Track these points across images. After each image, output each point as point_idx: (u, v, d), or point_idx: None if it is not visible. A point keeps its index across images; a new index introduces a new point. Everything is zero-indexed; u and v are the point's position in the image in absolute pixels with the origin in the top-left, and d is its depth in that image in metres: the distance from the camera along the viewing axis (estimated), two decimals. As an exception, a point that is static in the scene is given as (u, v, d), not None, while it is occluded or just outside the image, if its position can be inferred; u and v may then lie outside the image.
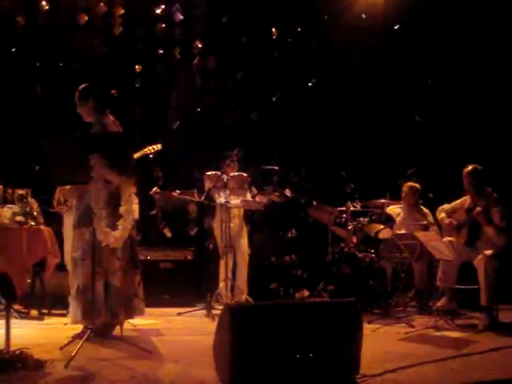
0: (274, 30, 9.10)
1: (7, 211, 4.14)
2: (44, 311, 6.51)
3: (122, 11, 8.78)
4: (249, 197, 7.29)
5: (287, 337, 3.40)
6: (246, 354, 3.32)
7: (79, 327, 5.07)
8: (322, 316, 3.52)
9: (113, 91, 5.65)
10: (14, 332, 4.40)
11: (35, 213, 4.17)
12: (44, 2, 8.64)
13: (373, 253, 7.04)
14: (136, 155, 5.85)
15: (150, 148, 6.00)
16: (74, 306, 4.99)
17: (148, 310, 6.90)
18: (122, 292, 5.01)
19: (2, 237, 3.94)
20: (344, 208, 7.45)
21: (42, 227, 4.21)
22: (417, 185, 7.37)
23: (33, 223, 4.14)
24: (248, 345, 3.32)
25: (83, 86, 5.25)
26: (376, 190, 7.76)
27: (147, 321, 6.30)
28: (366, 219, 7.12)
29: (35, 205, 4.91)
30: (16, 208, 4.16)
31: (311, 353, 3.42)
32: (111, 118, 5.24)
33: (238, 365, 3.31)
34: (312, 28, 9.09)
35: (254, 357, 3.33)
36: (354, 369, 3.58)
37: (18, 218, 4.15)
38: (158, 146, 6.25)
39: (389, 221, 6.96)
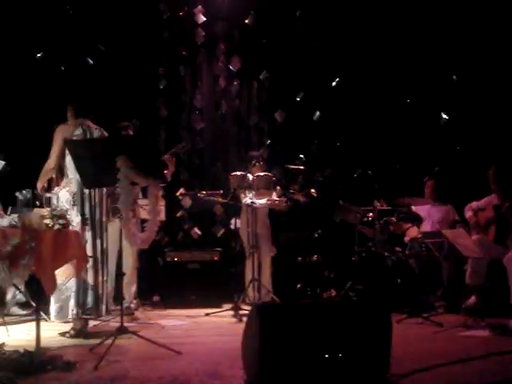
0: (297, 29, 9.08)
1: (36, 214, 4.18)
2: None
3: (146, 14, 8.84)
4: (274, 197, 7.30)
5: (316, 336, 3.38)
6: (275, 353, 3.31)
7: (107, 329, 5.14)
8: (351, 315, 3.51)
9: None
10: (43, 334, 4.46)
11: (65, 215, 4.20)
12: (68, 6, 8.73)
13: (400, 252, 7.00)
14: (165, 156, 5.93)
15: (180, 146, 6.06)
16: None
17: (175, 310, 7.04)
18: None
19: (31, 239, 3.97)
20: (370, 207, 7.41)
21: (70, 230, 4.24)
22: (440, 182, 7.33)
23: (61, 226, 4.16)
24: (277, 345, 3.32)
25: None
26: (402, 188, 7.72)
27: (175, 321, 6.34)
28: (393, 218, 7.08)
29: (64, 208, 4.97)
30: (44, 211, 4.19)
31: (340, 352, 3.40)
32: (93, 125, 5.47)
33: (267, 365, 3.31)
34: (336, 27, 9.05)
35: (283, 357, 3.33)
36: (384, 368, 3.56)
37: (47, 221, 4.18)
38: (186, 145, 6.32)
39: (416, 219, 6.92)
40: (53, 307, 5.48)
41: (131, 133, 6.74)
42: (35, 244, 3.97)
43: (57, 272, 4.25)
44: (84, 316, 5.29)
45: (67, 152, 5.24)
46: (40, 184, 5.39)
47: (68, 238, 4.15)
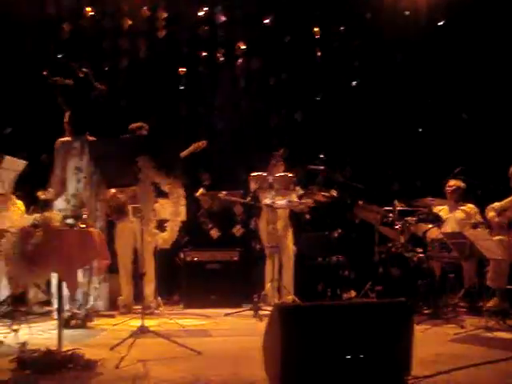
0: (316, 29, 9.06)
1: (57, 214, 4.20)
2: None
3: (166, 15, 8.87)
4: (294, 197, 7.29)
5: (338, 337, 3.37)
6: (297, 354, 3.30)
7: (127, 328, 5.16)
8: (373, 316, 3.48)
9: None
10: (64, 333, 4.47)
11: (85, 216, 4.22)
12: (88, 8, 8.79)
13: (421, 252, 6.95)
14: (183, 153, 5.97)
15: (196, 145, 6.08)
16: None
17: (195, 310, 7.05)
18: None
19: (54, 239, 3.99)
20: (391, 207, 7.37)
21: (92, 230, 4.25)
22: (460, 183, 7.27)
23: (83, 226, 4.18)
24: (298, 345, 3.30)
25: None
26: (423, 188, 7.67)
27: (195, 321, 6.35)
28: (414, 218, 7.03)
29: (85, 208, 5.04)
30: (67, 211, 4.22)
31: (362, 354, 3.38)
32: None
33: (288, 365, 3.29)
34: (355, 26, 9.02)
35: (305, 357, 3.31)
36: (406, 370, 3.53)
37: (69, 221, 4.20)
38: (204, 143, 6.33)
39: (437, 220, 6.87)
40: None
41: (145, 133, 6.80)
42: (57, 243, 3.99)
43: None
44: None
45: (67, 164, 5.47)
46: (53, 195, 5.53)
47: (90, 238, 4.17)
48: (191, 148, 6.71)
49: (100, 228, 5.64)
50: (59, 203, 5.44)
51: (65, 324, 5.28)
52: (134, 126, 6.77)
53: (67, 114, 5.81)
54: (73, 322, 5.48)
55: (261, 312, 6.42)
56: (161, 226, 4.81)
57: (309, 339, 3.34)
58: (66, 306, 5.31)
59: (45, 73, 7.20)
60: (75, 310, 5.47)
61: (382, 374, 3.48)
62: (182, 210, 4.78)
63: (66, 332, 4.58)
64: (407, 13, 8.94)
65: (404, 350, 3.51)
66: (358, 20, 9.00)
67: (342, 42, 9.05)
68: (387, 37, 8.78)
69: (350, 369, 3.40)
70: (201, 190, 7.28)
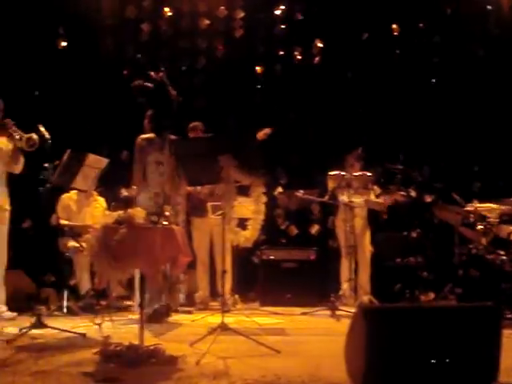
0: (394, 26, 8.92)
1: (141, 211, 4.27)
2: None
3: (242, 14, 8.91)
4: (372, 196, 7.20)
5: (423, 341, 3.29)
6: (381, 357, 3.24)
7: (205, 325, 5.22)
8: (460, 320, 3.39)
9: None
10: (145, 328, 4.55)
11: (167, 213, 4.27)
12: (167, 9, 8.93)
13: (504, 255, 6.74)
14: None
15: (261, 133, 6.11)
16: None
17: (272, 308, 7.05)
18: None
19: (137, 235, 4.06)
20: (472, 208, 7.16)
21: (175, 227, 4.31)
22: None
23: (165, 223, 4.24)
24: (382, 348, 3.25)
25: None
26: (507, 188, 7.43)
27: (271, 320, 6.36)
28: (497, 220, 6.82)
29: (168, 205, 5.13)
30: (150, 208, 4.29)
31: (448, 358, 3.30)
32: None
33: (371, 368, 3.24)
34: (435, 23, 8.83)
35: (389, 360, 3.25)
36: (492, 377, 3.42)
37: (152, 218, 4.27)
38: (268, 130, 6.38)
39: (521, 221, 6.65)
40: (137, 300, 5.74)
41: (200, 134, 6.88)
42: (141, 240, 4.06)
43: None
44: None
45: (148, 158, 5.55)
46: (134, 191, 5.61)
47: (172, 235, 4.22)
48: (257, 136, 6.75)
49: (181, 221, 5.73)
50: (143, 200, 5.53)
51: (147, 319, 5.39)
52: (190, 125, 6.94)
53: (148, 113, 5.91)
54: (154, 318, 5.57)
55: (338, 312, 6.37)
56: (242, 224, 4.83)
57: (393, 342, 3.28)
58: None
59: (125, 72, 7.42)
60: (156, 306, 5.54)
61: (467, 381, 3.38)
62: (263, 208, 4.79)
63: (146, 327, 4.63)
64: (489, 7, 8.69)
65: (491, 356, 3.40)
66: (438, 16, 8.80)
67: (421, 38, 8.85)
68: (468, 33, 8.56)
69: (434, 373, 3.32)
70: (278, 189, 7.30)
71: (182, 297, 5.70)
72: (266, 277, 7.60)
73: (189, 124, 6.97)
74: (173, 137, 5.85)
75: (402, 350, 3.30)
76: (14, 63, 7.77)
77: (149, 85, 5.76)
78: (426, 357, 3.30)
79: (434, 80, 8.91)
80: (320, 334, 5.57)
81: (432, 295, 7.57)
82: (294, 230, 8.59)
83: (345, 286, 7.03)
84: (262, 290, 7.59)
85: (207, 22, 8.90)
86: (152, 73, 5.77)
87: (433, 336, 3.31)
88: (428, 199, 7.82)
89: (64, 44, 8.75)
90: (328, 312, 6.51)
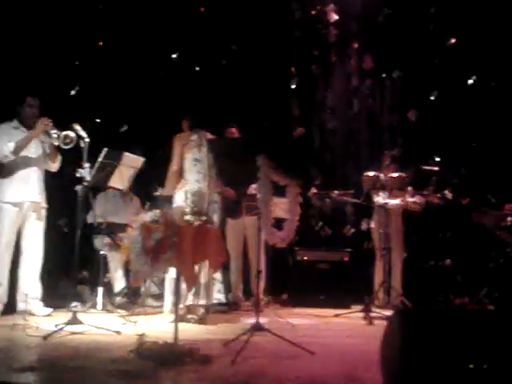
0: (431, 26, 8.83)
1: (177, 210, 4.30)
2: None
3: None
4: (408, 198, 7.14)
5: (461, 345, 3.24)
6: (417, 360, 3.21)
7: (238, 325, 5.22)
8: (499, 325, 3.33)
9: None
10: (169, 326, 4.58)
11: (203, 213, 4.29)
12: (202, 8, 8.97)
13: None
14: None
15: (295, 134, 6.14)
16: None
17: (304, 309, 7.03)
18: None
19: (173, 234, 4.08)
20: (509, 211, 7.06)
21: (210, 226, 4.32)
22: None
23: (201, 222, 4.26)
24: (419, 351, 3.21)
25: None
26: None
27: (304, 320, 6.34)
28: (535, 223, 6.72)
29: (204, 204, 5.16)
30: (186, 207, 4.31)
31: (486, 364, 3.25)
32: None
33: (408, 372, 3.21)
34: (473, 23, 8.71)
35: (425, 364, 3.21)
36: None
37: (187, 217, 4.29)
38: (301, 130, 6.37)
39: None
40: (168, 300, 5.76)
41: (236, 135, 6.91)
42: (177, 239, 4.07)
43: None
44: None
45: (185, 156, 5.55)
46: (170, 189, 5.62)
47: (208, 235, 4.24)
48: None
49: (218, 220, 5.73)
50: (179, 199, 5.54)
51: (182, 318, 5.42)
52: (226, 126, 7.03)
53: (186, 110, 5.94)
54: (190, 317, 5.58)
55: (371, 314, 6.32)
56: (277, 224, 4.82)
57: (430, 345, 3.23)
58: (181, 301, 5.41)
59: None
60: (189, 304, 5.55)
61: (506, 386, 3.33)
62: (299, 209, 4.78)
63: (181, 325, 4.64)
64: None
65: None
66: (475, 15, 8.68)
67: (458, 38, 8.75)
68: (507, 32, 8.43)
69: (471, 379, 3.27)
70: (312, 190, 7.28)
71: (222, 296, 5.68)
72: (299, 278, 7.59)
73: (225, 125, 7.00)
74: (209, 135, 5.87)
75: (439, 354, 3.26)
76: (50, 62, 7.85)
77: None
78: (463, 361, 3.25)
79: (472, 79, 8.79)
80: (354, 336, 5.53)
81: (466, 299, 7.47)
82: (328, 231, 8.55)
83: (378, 288, 6.97)
84: (295, 291, 7.57)
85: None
86: None
87: (470, 340, 3.26)
88: (464, 201, 7.72)
89: (100, 43, 8.84)
90: (361, 314, 6.46)
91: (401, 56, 8.68)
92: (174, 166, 5.77)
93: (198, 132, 5.86)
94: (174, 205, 5.43)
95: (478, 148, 8.54)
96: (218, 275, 5.61)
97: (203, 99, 5.90)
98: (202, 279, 5.46)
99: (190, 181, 5.60)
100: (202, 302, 5.56)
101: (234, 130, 7.03)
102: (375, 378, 3.57)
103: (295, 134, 6.72)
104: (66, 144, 5.79)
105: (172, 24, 8.88)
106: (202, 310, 5.66)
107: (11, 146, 5.86)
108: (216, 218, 5.75)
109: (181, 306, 5.42)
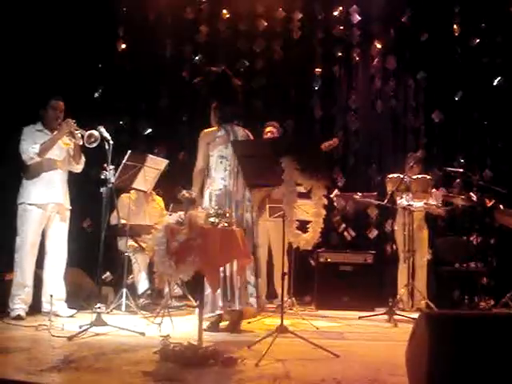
0: (455, 26, 8.76)
1: (202, 212, 4.30)
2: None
3: (300, 15, 8.90)
4: (432, 200, 7.09)
5: (488, 349, 3.20)
6: (444, 365, 3.16)
7: (262, 327, 5.19)
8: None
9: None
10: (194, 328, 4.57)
11: (228, 214, 4.28)
12: (225, 11, 8.98)
13: None
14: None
15: (326, 144, 6.04)
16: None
17: (328, 312, 7.01)
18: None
19: (197, 236, 4.08)
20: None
21: (235, 228, 4.32)
22: None
23: (226, 224, 4.25)
24: (446, 356, 3.16)
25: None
26: None
27: (328, 323, 6.31)
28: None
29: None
30: (210, 209, 4.30)
31: (513, 368, 3.20)
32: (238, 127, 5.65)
33: (434, 376, 3.17)
34: (497, 22, 8.63)
35: (452, 369, 3.17)
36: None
37: (212, 219, 4.29)
38: (335, 141, 6.29)
39: None
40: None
41: (276, 134, 6.90)
42: (201, 241, 4.07)
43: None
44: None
45: (211, 153, 5.47)
46: (196, 189, 5.52)
47: (233, 237, 4.23)
48: (322, 147, 6.68)
49: (250, 219, 5.61)
50: (206, 200, 5.45)
51: (213, 326, 5.40)
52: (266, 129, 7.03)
53: (213, 105, 5.81)
54: (223, 326, 5.53)
55: (395, 317, 6.27)
56: (302, 226, 4.79)
57: (457, 349, 3.19)
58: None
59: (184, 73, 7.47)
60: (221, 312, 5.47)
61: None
62: (323, 211, 4.75)
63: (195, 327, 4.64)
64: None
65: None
66: (500, 15, 8.60)
67: (482, 39, 8.67)
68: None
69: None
70: (335, 192, 7.25)
71: (254, 301, 5.54)
72: (322, 280, 7.55)
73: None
74: (241, 130, 5.72)
75: (466, 359, 3.21)
76: (74, 65, 7.91)
77: (214, 69, 5.70)
78: (491, 366, 3.21)
79: (497, 80, 8.69)
80: (379, 339, 5.49)
81: (492, 302, 7.39)
82: (351, 233, 8.51)
83: (402, 290, 6.92)
84: (319, 293, 7.54)
85: (265, 23, 8.92)
86: (213, 68, 5.73)
87: (498, 344, 3.21)
88: (489, 203, 7.63)
89: (123, 46, 8.89)
90: (385, 317, 6.42)
91: (425, 57, 8.63)
92: (199, 165, 5.60)
93: (226, 127, 5.64)
94: (203, 205, 5.31)
95: (503, 149, 8.45)
96: (252, 278, 5.46)
97: (231, 89, 5.70)
98: (238, 283, 5.36)
99: (216, 179, 5.44)
100: (236, 306, 5.40)
101: (272, 127, 7.01)
102: (400, 381, 3.54)
103: (328, 144, 6.64)
104: (90, 143, 5.82)
105: (194, 25, 8.92)
106: (236, 316, 5.50)
107: (37, 147, 5.90)
108: (249, 216, 5.59)
109: (212, 314, 5.36)
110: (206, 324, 5.19)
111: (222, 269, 5.09)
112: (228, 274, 5.27)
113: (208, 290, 5.03)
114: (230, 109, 5.66)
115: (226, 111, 5.64)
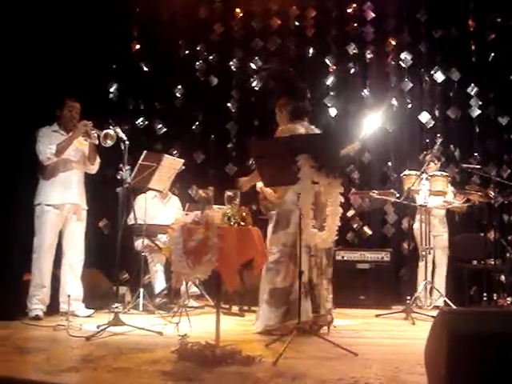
0: (470, 22, 8.70)
1: (218, 212, 4.28)
2: (245, 308, 6.78)
3: (314, 13, 8.87)
4: (450, 197, 7.04)
5: (509, 347, 3.16)
6: (464, 365, 3.13)
7: (281, 326, 5.17)
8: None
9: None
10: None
11: (244, 213, 4.27)
12: (238, 10, 8.98)
13: None
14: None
15: (350, 148, 5.97)
16: (266, 310, 5.16)
17: (345, 310, 6.99)
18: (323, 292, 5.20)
19: (214, 236, 4.07)
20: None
21: (251, 227, 4.30)
22: None
23: (242, 223, 4.24)
24: (466, 355, 3.13)
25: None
26: None
27: (345, 321, 6.29)
28: None
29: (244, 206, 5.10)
30: (226, 209, 4.29)
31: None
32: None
33: (454, 374, 3.14)
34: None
35: (473, 370, 3.13)
36: None
37: (228, 219, 4.27)
38: (356, 146, 6.23)
39: None
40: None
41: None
42: (218, 240, 4.06)
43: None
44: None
45: None
46: (245, 187, 5.39)
47: (249, 235, 4.22)
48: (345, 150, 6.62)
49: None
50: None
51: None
52: None
53: (279, 102, 5.58)
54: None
55: (413, 315, 6.24)
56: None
57: (479, 349, 3.16)
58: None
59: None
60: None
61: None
62: (340, 209, 4.72)
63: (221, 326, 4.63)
64: None
65: None
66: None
67: (498, 34, 8.59)
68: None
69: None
70: (353, 189, 7.23)
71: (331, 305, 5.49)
72: (339, 277, 7.48)
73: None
74: (307, 124, 5.50)
75: (486, 357, 3.18)
76: (89, 66, 7.94)
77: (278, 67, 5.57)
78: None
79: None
80: (396, 337, 5.46)
81: (510, 299, 7.33)
82: (368, 231, 8.48)
83: (420, 288, 6.88)
84: (335, 291, 7.48)
85: (278, 21, 8.91)
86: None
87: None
88: (506, 200, 7.58)
89: (138, 46, 8.91)
90: (402, 315, 6.39)
91: (440, 53, 8.59)
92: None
93: (303, 123, 5.38)
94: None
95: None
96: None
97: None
98: (323, 290, 5.34)
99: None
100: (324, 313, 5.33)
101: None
102: (420, 380, 3.52)
103: (352, 148, 6.58)
104: (106, 143, 5.85)
105: (207, 26, 8.92)
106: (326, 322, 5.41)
107: (53, 148, 5.93)
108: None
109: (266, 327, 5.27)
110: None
111: (308, 277, 5.13)
112: (315, 281, 5.27)
113: (262, 304, 5.15)
114: (301, 104, 5.49)
115: (297, 107, 5.42)
